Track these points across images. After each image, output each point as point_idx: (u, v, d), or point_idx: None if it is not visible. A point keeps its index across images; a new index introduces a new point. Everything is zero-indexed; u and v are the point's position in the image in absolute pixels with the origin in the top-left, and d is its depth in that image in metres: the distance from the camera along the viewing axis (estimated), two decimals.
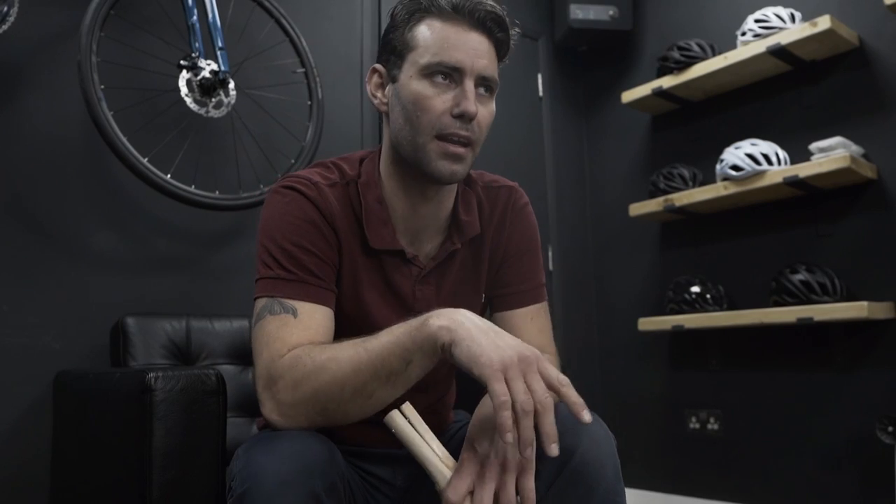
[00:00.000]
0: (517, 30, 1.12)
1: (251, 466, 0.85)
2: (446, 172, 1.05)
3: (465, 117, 1.03)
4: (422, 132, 1.04)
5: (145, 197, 1.95)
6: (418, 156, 1.06)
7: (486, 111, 1.07)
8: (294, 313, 0.99)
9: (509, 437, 0.78)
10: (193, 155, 2.03)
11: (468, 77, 1.04)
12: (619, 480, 0.99)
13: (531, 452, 0.87)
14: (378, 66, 1.13)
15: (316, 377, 0.91)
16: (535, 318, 1.22)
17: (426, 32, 1.05)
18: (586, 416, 0.83)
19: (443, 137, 1.04)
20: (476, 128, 1.05)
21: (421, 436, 0.91)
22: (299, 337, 0.97)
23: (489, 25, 1.06)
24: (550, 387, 0.82)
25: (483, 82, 1.06)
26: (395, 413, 0.91)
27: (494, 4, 1.06)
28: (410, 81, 1.05)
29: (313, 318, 1.01)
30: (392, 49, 1.09)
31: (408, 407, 0.93)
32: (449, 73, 1.04)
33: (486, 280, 1.22)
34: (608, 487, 0.96)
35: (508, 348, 0.83)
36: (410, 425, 0.91)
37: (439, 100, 1.03)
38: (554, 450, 0.80)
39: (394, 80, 1.09)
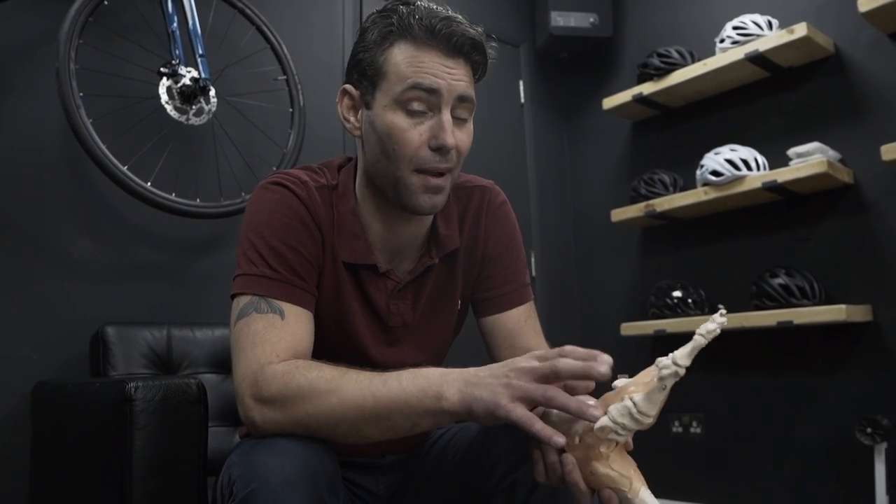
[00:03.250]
0: (494, 47, 1.07)
1: (255, 467, 0.83)
2: (427, 206, 1.03)
3: (443, 150, 1.00)
4: (399, 166, 1.01)
5: (125, 205, 1.93)
6: (398, 189, 1.03)
7: (464, 136, 1.04)
8: (281, 315, 0.97)
9: (557, 439, 0.78)
10: (174, 163, 2.02)
11: (445, 104, 1.00)
12: None
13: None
14: (349, 87, 1.08)
15: (312, 403, 0.88)
16: (529, 319, 1.21)
17: (399, 58, 1.00)
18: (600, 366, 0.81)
19: (422, 171, 1.01)
20: (455, 156, 1.02)
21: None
22: (287, 342, 0.95)
23: (466, 50, 1.01)
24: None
25: (461, 103, 1.02)
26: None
27: (470, 28, 1.02)
28: (385, 112, 1.01)
29: (299, 321, 0.99)
30: (363, 72, 1.04)
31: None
32: (424, 100, 0.99)
33: (462, 286, 1.20)
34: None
35: (506, 375, 0.82)
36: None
37: (415, 132, 1.00)
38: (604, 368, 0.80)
39: (367, 106, 1.04)
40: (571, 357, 0.82)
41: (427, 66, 0.99)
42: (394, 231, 1.11)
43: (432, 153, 1.00)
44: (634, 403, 0.78)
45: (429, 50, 0.99)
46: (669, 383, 0.77)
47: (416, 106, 1.00)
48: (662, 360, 0.77)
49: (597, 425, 0.80)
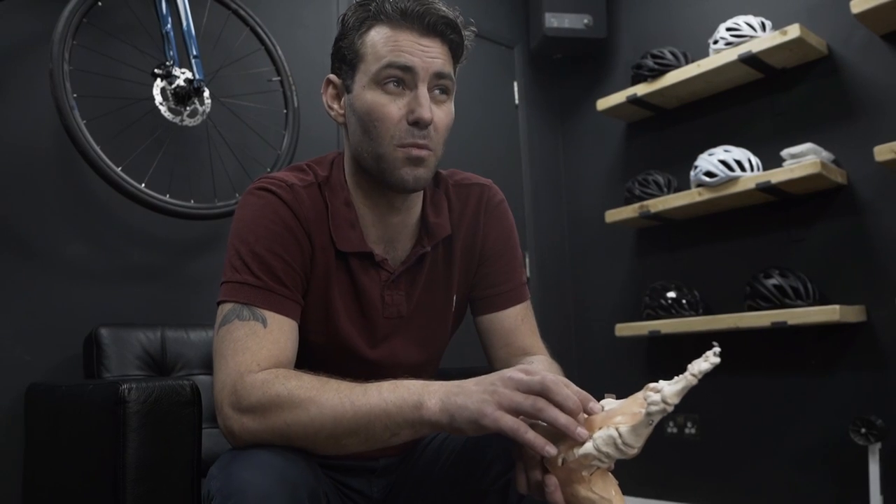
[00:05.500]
0: (472, 30, 1.09)
1: (232, 482, 0.82)
2: (410, 179, 1.03)
3: (420, 124, 1.01)
4: (382, 143, 1.02)
5: (119, 206, 1.92)
6: (381, 166, 1.04)
7: (442, 114, 1.05)
8: (264, 323, 0.97)
9: (550, 449, 0.78)
10: (168, 164, 2.02)
11: (421, 80, 1.02)
12: None
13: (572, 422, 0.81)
14: (332, 76, 1.11)
15: (291, 412, 0.87)
16: (525, 318, 1.21)
17: (376, 39, 1.03)
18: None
19: (402, 146, 1.02)
20: (433, 133, 1.04)
21: None
22: (269, 351, 0.94)
23: (441, 29, 1.04)
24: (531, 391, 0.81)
25: (438, 81, 1.04)
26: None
27: (445, 8, 1.05)
28: (364, 92, 1.03)
29: (282, 330, 0.98)
30: (343, 58, 1.08)
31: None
32: (401, 79, 1.02)
33: (459, 283, 1.20)
34: None
35: (491, 384, 0.82)
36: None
37: (394, 107, 1.02)
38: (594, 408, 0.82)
39: (348, 90, 1.07)
40: (554, 388, 0.81)
41: (402, 45, 1.02)
42: (385, 220, 1.12)
43: (410, 128, 1.02)
44: (620, 434, 0.78)
45: (404, 30, 1.02)
46: (656, 419, 0.77)
47: (393, 84, 1.02)
48: (651, 396, 0.76)
49: (580, 451, 0.79)
